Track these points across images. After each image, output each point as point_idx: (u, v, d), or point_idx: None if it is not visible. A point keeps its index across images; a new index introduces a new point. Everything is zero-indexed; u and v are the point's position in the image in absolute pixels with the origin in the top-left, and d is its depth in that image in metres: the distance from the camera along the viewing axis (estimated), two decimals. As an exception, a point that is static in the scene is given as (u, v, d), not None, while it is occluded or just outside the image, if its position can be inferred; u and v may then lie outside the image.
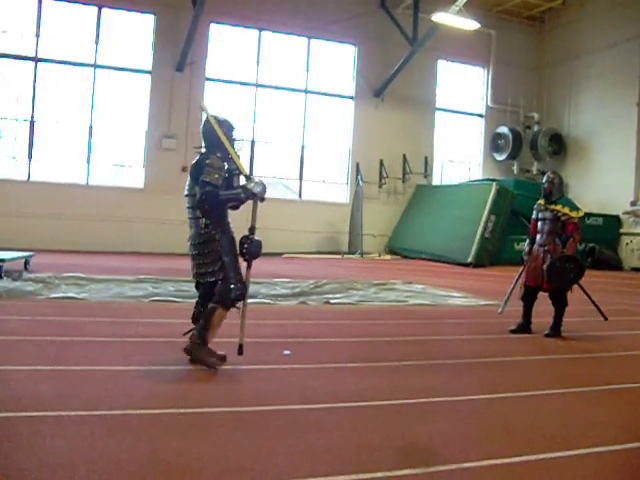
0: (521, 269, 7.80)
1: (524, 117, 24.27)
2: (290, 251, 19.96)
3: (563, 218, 7.33)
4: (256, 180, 4.97)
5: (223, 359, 5.01)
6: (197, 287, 5.33)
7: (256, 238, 5.05)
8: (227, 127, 5.20)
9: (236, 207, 5.26)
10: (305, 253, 19.69)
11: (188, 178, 5.12)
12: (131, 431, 3.45)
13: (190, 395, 4.21)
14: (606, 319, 7.53)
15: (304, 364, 5.36)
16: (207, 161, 4.89)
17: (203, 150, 5.16)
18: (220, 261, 4.97)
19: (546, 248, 7.37)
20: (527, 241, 7.76)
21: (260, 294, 9.59)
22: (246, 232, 5.08)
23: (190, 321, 5.21)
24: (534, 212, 7.71)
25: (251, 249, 5.02)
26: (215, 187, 4.83)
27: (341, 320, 7.97)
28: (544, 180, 7.65)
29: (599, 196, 21.37)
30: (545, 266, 7.17)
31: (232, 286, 4.93)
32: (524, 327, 7.45)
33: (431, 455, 3.34)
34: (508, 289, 8.05)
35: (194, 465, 3.03)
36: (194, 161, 5.10)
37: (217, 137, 5.03)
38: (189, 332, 5.08)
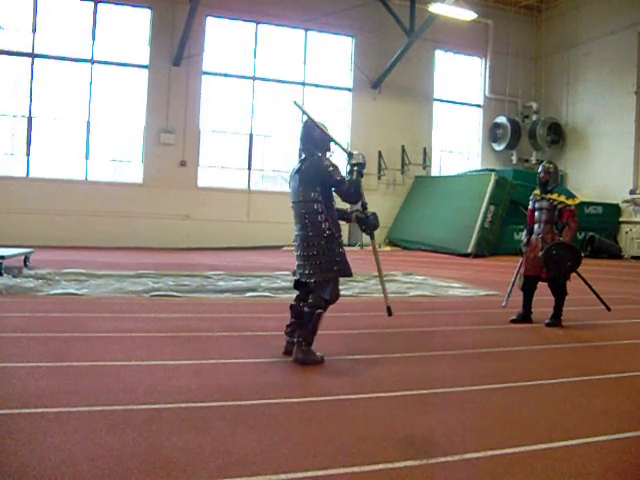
0: (520, 260, 7.82)
1: (522, 107, 24.24)
2: (290, 244, 19.92)
3: (560, 206, 7.35)
4: (356, 152, 5.32)
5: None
6: (296, 287, 5.50)
7: (371, 212, 5.36)
8: (324, 128, 5.37)
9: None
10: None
11: (296, 184, 5.27)
12: (132, 427, 3.46)
13: (191, 390, 4.21)
14: (609, 309, 7.50)
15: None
16: (327, 163, 5.16)
17: (303, 155, 5.34)
18: (334, 262, 5.18)
19: (544, 237, 7.39)
20: (525, 232, 7.78)
21: (260, 287, 9.60)
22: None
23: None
24: (530, 202, 7.75)
25: (370, 223, 5.34)
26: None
27: (341, 312, 7.96)
28: (540, 170, 7.70)
29: (598, 185, 21.37)
30: (541, 254, 7.20)
31: (334, 290, 5.21)
32: (524, 317, 7.46)
33: (432, 446, 3.34)
34: (510, 281, 8.05)
35: (195, 460, 3.03)
36: (302, 167, 5.25)
37: (319, 137, 5.28)
38: (290, 326, 5.43)
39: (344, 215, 5.45)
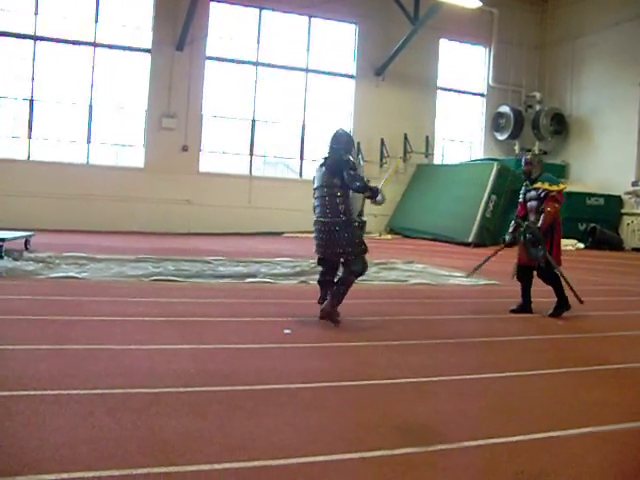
0: (497, 248, 7.92)
1: (526, 96, 24.13)
2: (291, 230, 19.96)
3: (543, 194, 7.34)
4: (380, 197, 6.36)
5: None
6: (320, 263, 6.52)
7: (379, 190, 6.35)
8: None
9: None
10: (306, 232, 19.67)
11: (321, 173, 6.31)
12: (131, 410, 3.46)
13: (190, 374, 4.21)
14: (581, 302, 7.27)
15: (304, 343, 5.37)
16: (347, 157, 6.21)
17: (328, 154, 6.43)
18: (353, 242, 6.13)
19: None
20: (512, 222, 7.79)
21: (261, 273, 9.60)
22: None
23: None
24: (521, 195, 7.74)
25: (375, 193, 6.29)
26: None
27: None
28: (522, 163, 7.70)
29: (600, 176, 21.31)
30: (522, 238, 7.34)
31: (364, 262, 6.27)
32: (524, 307, 7.46)
33: (431, 434, 3.34)
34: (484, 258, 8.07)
35: (194, 444, 3.03)
36: (327, 160, 6.34)
37: (345, 141, 6.43)
38: (322, 301, 6.36)
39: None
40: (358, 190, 6.16)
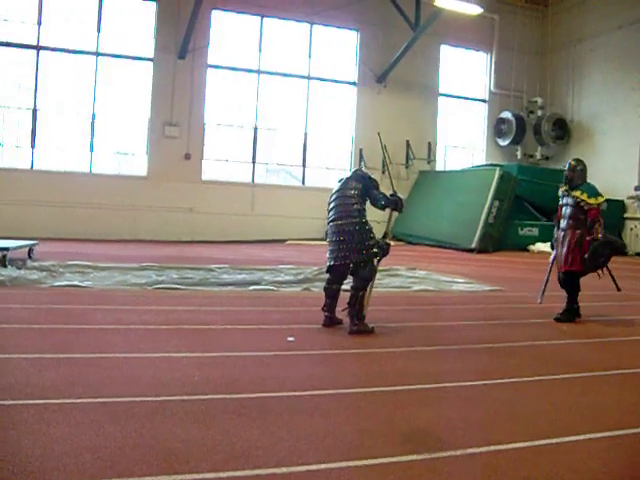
0: (552, 254, 7.86)
1: (527, 102, 24.16)
2: (294, 238, 19.96)
3: (582, 204, 7.38)
4: (399, 196, 6.50)
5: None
6: (329, 270, 6.45)
7: (387, 242, 6.42)
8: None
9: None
10: (309, 240, 19.70)
11: (342, 183, 6.42)
12: (135, 418, 3.46)
13: (194, 382, 4.21)
14: (619, 290, 7.55)
15: (308, 350, 5.36)
16: (371, 175, 6.51)
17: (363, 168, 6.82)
18: (366, 248, 6.14)
19: (565, 233, 7.45)
20: (555, 228, 7.84)
21: (264, 281, 9.59)
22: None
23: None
24: (560, 198, 7.80)
25: (385, 250, 6.33)
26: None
27: (344, 306, 7.96)
28: (566, 167, 7.75)
29: (603, 181, 21.06)
30: (587, 255, 7.23)
31: (372, 268, 6.21)
32: (569, 313, 7.45)
33: (435, 440, 3.33)
34: (544, 278, 8.01)
35: (197, 452, 3.03)
36: (351, 175, 6.51)
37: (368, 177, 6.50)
38: (326, 305, 6.45)
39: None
40: (387, 205, 6.28)
